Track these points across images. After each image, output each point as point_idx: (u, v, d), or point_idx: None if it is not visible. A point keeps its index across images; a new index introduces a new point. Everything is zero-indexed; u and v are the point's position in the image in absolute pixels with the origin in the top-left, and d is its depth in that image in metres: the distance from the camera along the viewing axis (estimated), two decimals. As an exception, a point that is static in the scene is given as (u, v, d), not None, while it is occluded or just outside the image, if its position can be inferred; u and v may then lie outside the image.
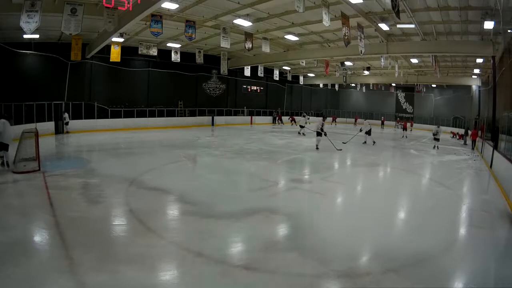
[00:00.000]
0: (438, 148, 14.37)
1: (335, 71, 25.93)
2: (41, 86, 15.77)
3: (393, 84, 29.84)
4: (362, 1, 10.57)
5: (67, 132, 14.82)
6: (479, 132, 16.70)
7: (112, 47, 16.15)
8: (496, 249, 4.00)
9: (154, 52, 17.10)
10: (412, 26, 12.83)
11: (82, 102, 16.89)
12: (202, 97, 24.05)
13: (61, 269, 3.07)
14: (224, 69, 20.53)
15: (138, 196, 5.63)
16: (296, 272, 3.25)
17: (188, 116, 22.30)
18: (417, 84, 28.14)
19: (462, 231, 4.77)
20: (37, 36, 13.89)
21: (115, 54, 16.35)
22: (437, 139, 14.81)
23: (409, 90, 31.43)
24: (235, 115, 25.68)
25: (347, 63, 22.69)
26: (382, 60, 17.51)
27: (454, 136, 22.00)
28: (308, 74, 30.08)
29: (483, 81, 23.18)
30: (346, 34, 11.69)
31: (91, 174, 7.02)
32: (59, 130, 14.72)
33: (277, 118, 27.15)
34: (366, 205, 5.67)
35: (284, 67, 26.50)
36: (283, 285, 3.02)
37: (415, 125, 29.87)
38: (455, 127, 26.33)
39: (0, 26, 12.45)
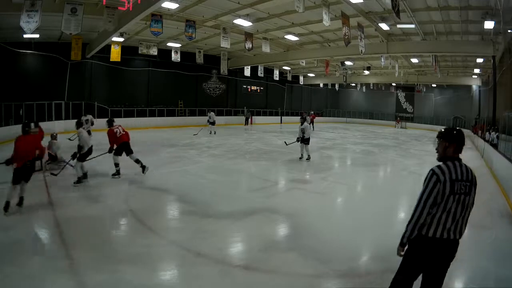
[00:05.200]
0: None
1: (335, 71, 25.94)
2: (41, 86, 15.79)
3: (393, 84, 29.85)
4: (362, 1, 10.57)
5: None
6: (479, 132, 16.71)
7: (112, 46, 16.16)
8: (496, 249, 4.00)
9: (154, 51, 17.12)
10: (412, 26, 12.83)
11: (82, 101, 16.90)
12: (202, 97, 24.05)
13: (61, 269, 3.07)
14: (224, 69, 20.54)
15: (138, 196, 5.64)
16: (296, 272, 3.25)
17: (188, 116, 22.31)
18: (417, 84, 28.14)
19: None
20: (37, 35, 13.89)
21: (115, 54, 16.36)
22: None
23: (409, 89, 31.43)
24: (235, 115, 25.67)
25: (347, 63, 22.69)
26: (382, 60, 17.50)
27: None
28: (308, 74, 30.07)
29: (483, 81, 23.19)
30: (346, 34, 11.68)
31: (91, 173, 7.01)
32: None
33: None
34: (366, 205, 5.67)
35: (284, 67, 26.48)
36: (283, 285, 3.02)
37: (412, 124, 29.88)
38: (456, 127, 26.30)
39: (0, 26, 12.45)
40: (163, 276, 3.15)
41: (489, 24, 10.56)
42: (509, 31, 11.16)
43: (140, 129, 17.42)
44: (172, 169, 8.02)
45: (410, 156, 11.88)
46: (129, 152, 6.97)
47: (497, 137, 11.35)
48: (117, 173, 6.78)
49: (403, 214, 5.51)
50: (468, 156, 12.81)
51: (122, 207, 5.02)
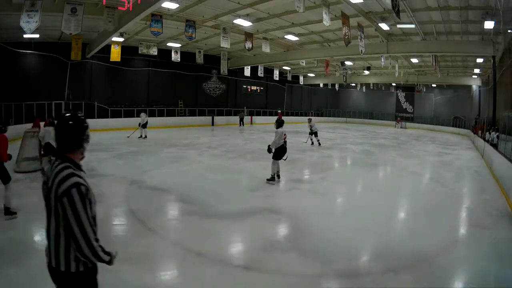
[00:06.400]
0: (319, 144, 13.15)
1: (335, 71, 25.94)
2: (41, 86, 15.79)
3: (393, 84, 29.87)
4: (362, 1, 10.58)
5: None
6: (479, 132, 16.71)
7: (112, 46, 16.16)
8: (496, 249, 4.00)
9: (154, 51, 17.12)
10: (412, 26, 12.84)
11: (82, 101, 16.91)
12: (202, 97, 24.05)
13: (61, 269, 3.07)
14: (224, 69, 20.54)
15: (138, 196, 5.63)
16: (296, 272, 3.25)
17: (188, 116, 22.32)
18: (417, 84, 28.16)
19: (462, 230, 4.76)
20: (37, 35, 13.89)
21: (115, 54, 16.36)
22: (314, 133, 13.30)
23: (409, 89, 31.44)
24: (235, 115, 25.69)
25: (347, 63, 22.70)
26: (382, 60, 17.51)
27: None
28: (308, 74, 30.07)
29: (483, 81, 23.20)
30: (347, 34, 11.68)
31: (91, 173, 7.01)
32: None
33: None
34: (366, 205, 5.66)
35: (284, 67, 26.49)
36: (283, 285, 3.02)
37: (412, 124, 29.83)
38: (456, 127, 26.34)
39: (0, 26, 12.45)
40: (163, 276, 3.15)
41: (489, 24, 10.57)
42: (509, 31, 11.16)
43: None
44: (172, 169, 8.02)
45: (410, 156, 11.87)
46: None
47: (497, 137, 11.35)
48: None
49: (403, 214, 5.53)
50: (468, 156, 12.82)
51: (122, 207, 5.02)
